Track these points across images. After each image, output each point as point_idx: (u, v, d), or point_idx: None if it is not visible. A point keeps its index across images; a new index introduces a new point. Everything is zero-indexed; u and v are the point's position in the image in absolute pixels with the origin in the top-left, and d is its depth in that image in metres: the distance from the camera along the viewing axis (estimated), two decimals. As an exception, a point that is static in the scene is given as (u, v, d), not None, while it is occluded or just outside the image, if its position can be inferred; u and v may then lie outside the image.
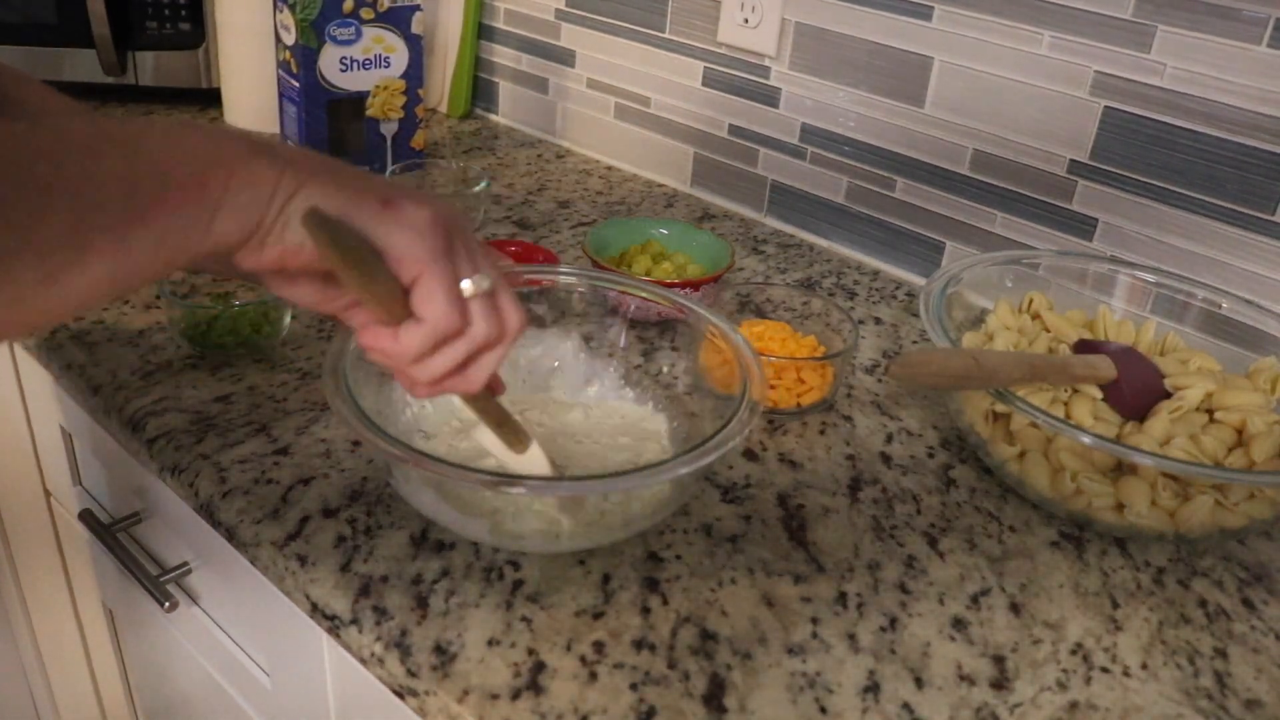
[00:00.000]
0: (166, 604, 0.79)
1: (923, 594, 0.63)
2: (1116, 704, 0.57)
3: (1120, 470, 0.68)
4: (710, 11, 1.12)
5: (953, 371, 0.67)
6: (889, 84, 1.01)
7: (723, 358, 0.67)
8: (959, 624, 0.61)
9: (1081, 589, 0.65)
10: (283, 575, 0.61)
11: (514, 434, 0.59)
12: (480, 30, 1.37)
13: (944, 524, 0.69)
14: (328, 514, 0.64)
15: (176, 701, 1.01)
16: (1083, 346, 0.76)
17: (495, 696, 0.53)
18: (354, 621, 0.57)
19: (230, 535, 0.64)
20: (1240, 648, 0.62)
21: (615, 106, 1.26)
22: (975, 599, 0.63)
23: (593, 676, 0.55)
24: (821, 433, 0.77)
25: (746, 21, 1.09)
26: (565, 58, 1.29)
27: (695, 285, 0.86)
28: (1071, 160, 0.92)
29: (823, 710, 0.55)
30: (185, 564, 0.82)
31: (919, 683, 0.57)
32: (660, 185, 1.24)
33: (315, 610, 0.59)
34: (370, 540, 0.62)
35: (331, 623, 0.58)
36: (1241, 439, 0.70)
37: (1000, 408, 0.71)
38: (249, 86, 1.24)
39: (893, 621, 0.61)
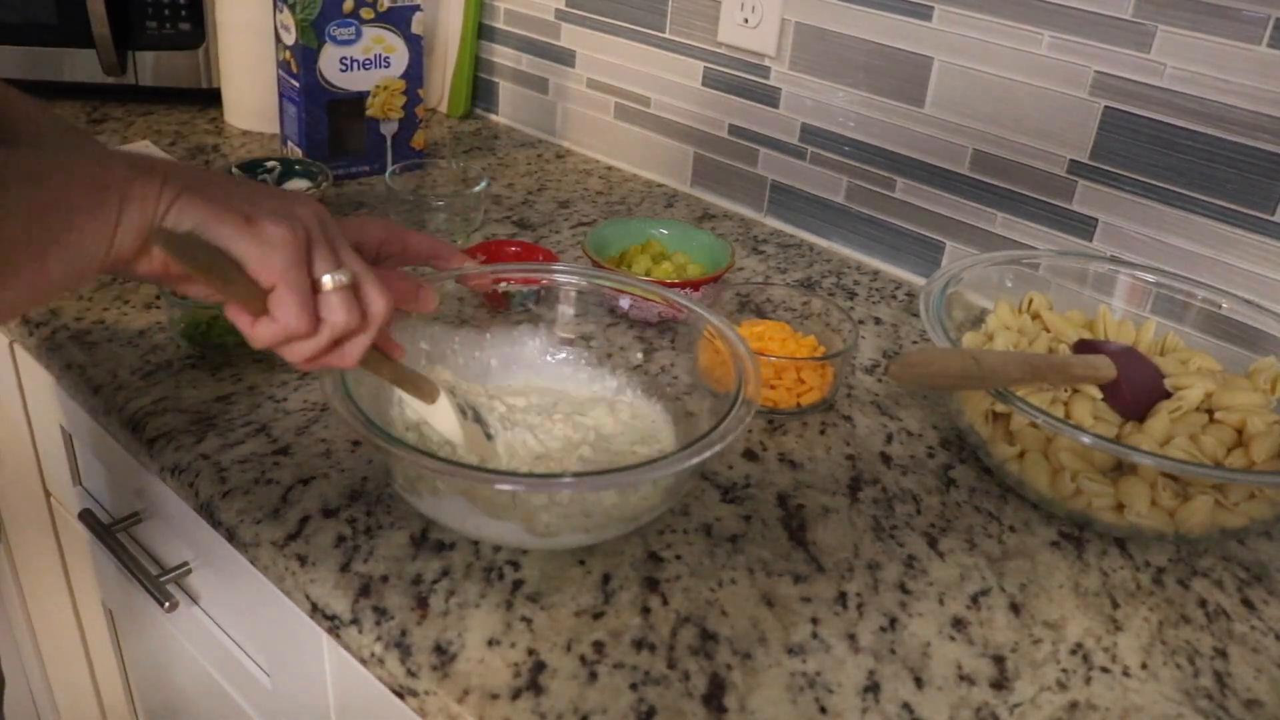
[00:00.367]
0: (166, 604, 0.79)
1: (923, 594, 0.63)
2: (1116, 704, 0.57)
3: (1120, 470, 0.68)
4: (710, 11, 1.12)
5: (953, 371, 0.67)
6: (889, 84, 1.01)
7: (721, 357, 0.67)
8: (959, 624, 0.61)
9: (1081, 589, 0.65)
10: (283, 575, 0.61)
11: (417, 388, 0.62)
12: (480, 30, 1.37)
13: (944, 524, 0.69)
14: (328, 514, 0.64)
15: (176, 701, 1.01)
16: (1083, 346, 0.76)
17: (495, 696, 0.53)
18: (354, 621, 0.57)
19: (230, 535, 0.64)
20: (1240, 648, 0.62)
21: (615, 106, 1.26)
22: (975, 599, 0.63)
23: (593, 676, 0.55)
24: (821, 433, 0.77)
25: (746, 21, 1.09)
26: (565, 58, 1.29)
27: (695, 285, 0.86)
28: (1071, 160, 0.92)
29: (823, 710, 0.55)
30: (185, 564, 0.82)
31: (919, 683, 0.57)
32: (660, 185, 1.24)
33: (315, 610, 0.59)
34: (370, 540, 0.62)
35: (331, 623, 0.58)
36: (1241, 439, 0.70)
37: (1000, 408, 0.71)
38: (249, 86, 1.24)
39: (893, 621, 0.61)
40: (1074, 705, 0.57)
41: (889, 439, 0.78)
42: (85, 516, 0.87)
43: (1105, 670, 0.59)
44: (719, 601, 0.61)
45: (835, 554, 0.65)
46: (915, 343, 0.93)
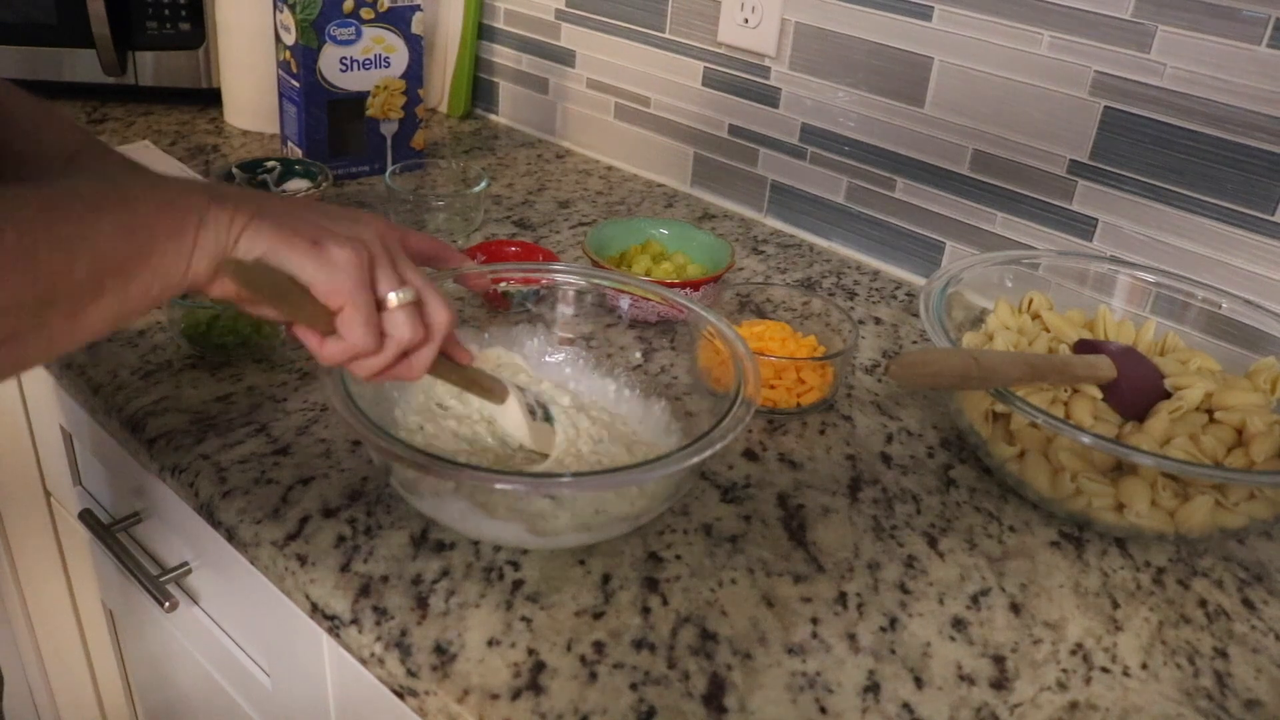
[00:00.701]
0: (166, 604, 0.79)
1: (923, 594, 0.63)
2: (1116, 704, 0.57)
3: (1120, 470, 0.68)
4: (710, 11, 1.12)
5: (952, 371, 0.67)
6: (889, 84, 1.01)
7: (720, 357, 0.67)
8: (959, 624, 0.61)
9: (1081, 589, 0.65)
10: (283, 575, 0.61)
11: (487, 389, 0.63)
12: (480, 30, 1.37)
13: (944, 524, 0.69)
14: (328, 514, 0.64)
15: (176, 701, 1.01)
16: (1083, 346, 0.76)
17: (495, 696, 0.53)
18: (354, 621, 0.57)
19: (230, 535, 0.64)
20: (1240, 648, 0.62)
21: (615, 106, 1.26)
22: (975, 599, 0.63)
23: (593, 676, 0.55)
24: (821, 433, 0.77)
25: (746, 21, 1.09)
26: (565, 58, 1.29)
27: (695, 285, 0.86)
28: (1071, 160, 0.92)
29: (823, 710, 0.55)
30: (185, 564, 0.82)
31: (919, 683, 0.57)
32: (660, 185, 1.24)
33: (315, 610, 0.59)
34: (370, 540, 0.62)
35: (331, 623, 0.58)
36: (1241, 439, 0.70)
37: (1000, 408, 0.71)
38: (249, 86, 1.24)
39: (893, 621, 0.61)
40: (1074, 705, 0.57)
41: (889, 439, 0.78)
42: (85, 516, 0.87)
43: (1105, 670, 0.59)
44: (719, 601, 0.61)
45: (835, 554, 0.65)
46: (915, 343, 0.93)
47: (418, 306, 0.54)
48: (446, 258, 0.64)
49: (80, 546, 1.04)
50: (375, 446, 0.56)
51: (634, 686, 0.54)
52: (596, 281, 0.75)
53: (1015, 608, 0.63)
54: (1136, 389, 0.72)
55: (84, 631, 1.16)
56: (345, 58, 1.08)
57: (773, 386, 0.78)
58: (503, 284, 0.75)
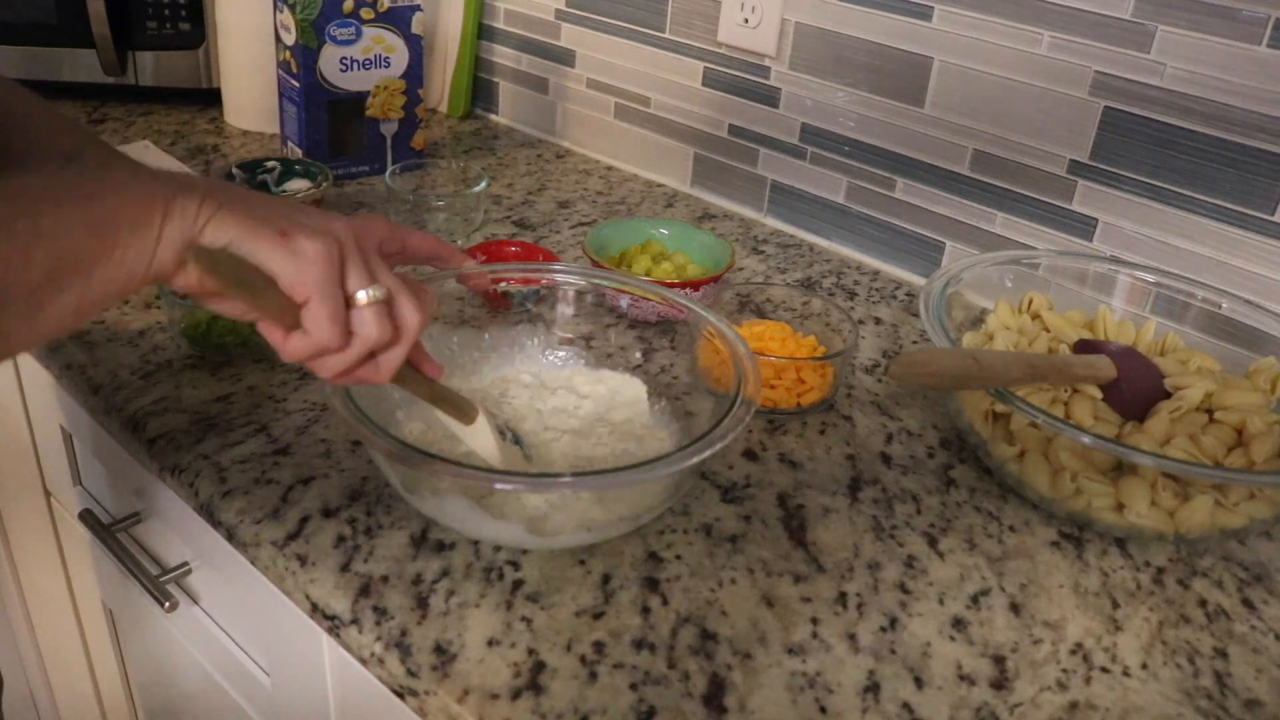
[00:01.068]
0: (166, 604, 0.79)
1: (923, 594, 0.63)
2: (1116, 704, 0.57)
3: (1120, 470, 0.68)
4: (710, 11, 1.12)
5: (952, 371, 0.67)
6: (889, 84, 1.01)
7: (720, 357, 0.67)
8: (959, 624, 0.61)
9: (1081, 589, 0.65)
10: (283, 575, 0.61)
11: (456, 408, 0.61)
12: (480, 30, 1.37)
13: (944, 524, 0.69)
14: (328, 514, 0.64)
15: (176, 701, 1.01)
16: (1083, 346, 0.76)
17: (495, 696, 0.53)
18: (354, 621, 0.57)
19: (230, 535, 0.64)
20: (1240, 648, 0.62)
21: (615, 106, 1.26)
22: (975, 599, 0.63)
23: (593, 676, 0.55)
24: (821, 433, 0.77)
25: (746, 21, 1.09)
26: (565, 58, 1.29)
27: (695, 285, 0.86)
28: (1071, 160, 0.92)
29: (823, 710, 0.55)
30: (185, 564, 0.82)
31: (919, 683, 0.57)
32: (660, 185, 1.24)
33: (315, 610, 0.59)
34: (370, 540, 0.62)
35: (331, 623, 0.58)
36: (1241, 439, 0.70)
37: (1000, 408, 0.71)
38: (249, 86, 1.24)
39: (893, 621, 0.61)
40: (1074, 705, 0.57)
41: (889, 439, 0.78)
42: (85, 516, 0.87)
43: (1105, 670, 0.59)
44: (719, 601, 0.61)
45: (835, 554, 0.65)
46: (915, 343, 0.93)
47: (388, 306, 0.53)
48: (448, 257, 0.64)
49: (80, 546, 1.04)
50: (376, 446, 0.56)
51: (634, 686, 0.54)
52: (596, 281, 0.75)
53: (1015, 608, 0.63)
54: (1136, 389, 0.72)
55: (84, 631, 1.16)
56: (345, 58, 1.08)
57: (773, 386, 0.78)
58: (503, 284, 0.75)
